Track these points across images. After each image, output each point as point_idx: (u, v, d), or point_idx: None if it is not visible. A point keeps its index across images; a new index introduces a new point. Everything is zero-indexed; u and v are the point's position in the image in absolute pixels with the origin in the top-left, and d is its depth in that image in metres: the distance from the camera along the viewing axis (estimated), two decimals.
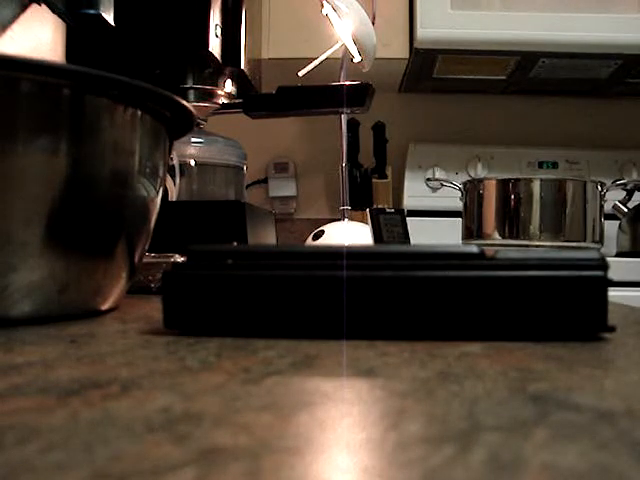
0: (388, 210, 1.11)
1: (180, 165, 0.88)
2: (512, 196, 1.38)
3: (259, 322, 0.32)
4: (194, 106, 0.46)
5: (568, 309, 0.30)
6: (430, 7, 1.45)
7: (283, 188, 1.79)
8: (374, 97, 0.89)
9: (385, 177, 1.66)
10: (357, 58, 1.02)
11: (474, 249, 0.31)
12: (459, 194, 1.50)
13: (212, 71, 0.89)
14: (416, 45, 1.47)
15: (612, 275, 0.30)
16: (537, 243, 1.36)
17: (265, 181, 1.79)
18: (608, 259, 0.31)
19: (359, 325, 0.30)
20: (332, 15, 1.00)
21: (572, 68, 1.57)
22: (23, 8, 0.61)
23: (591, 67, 1.56)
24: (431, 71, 1.64)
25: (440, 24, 1.45)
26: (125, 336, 0.33)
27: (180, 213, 0.84)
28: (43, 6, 0.65)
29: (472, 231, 1.46)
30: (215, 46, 0.85)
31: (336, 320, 0.30)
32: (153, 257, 0.56)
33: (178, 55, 0.86)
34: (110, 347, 0.30)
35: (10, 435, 0.16)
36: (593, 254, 0.31)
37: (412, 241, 1.13)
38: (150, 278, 0.54)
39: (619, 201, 1.51)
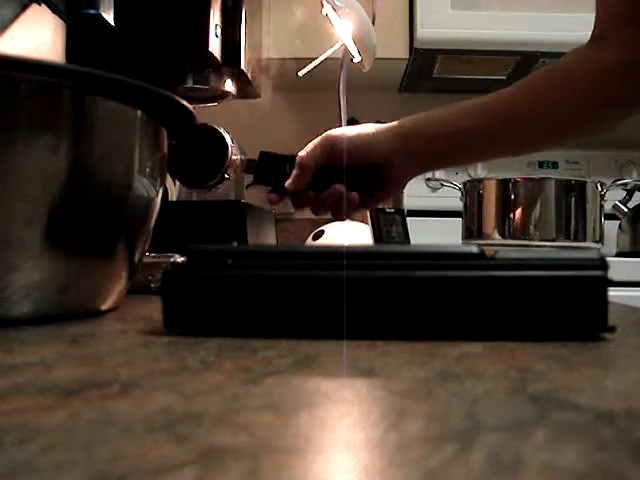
0: (388, 210, 1.11)
1: None
2: (512, 196, 1.38)
3: (259, 322, 0.32)
4: (194, 106, 0.47)
5: (568, 309, 0.30)
6: (430, 7, 1.45)
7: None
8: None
9: None
10: (357, 58, 1.02)
11: (474, 249, 0.31)
12: (459, 194, 1.50)
13: (212, 71, 0.89)
14: (416, 45, 1.47)
15: (612, 275, 0.30)
16: (537, 243, 1.36)
17: None
18: (608, 259, 0.31)
19: (359, 325, 0.30)
20: (332, 15, 1.00)
21: None
22: (23, 8, 0.61)
23: None
24: (431, 71, 1.64)
25: (440, 24, 1.45)
26: (125, 336, 0.33)
27: (180, 213, 0.84)
28: (43, 6, 0.65)
29: (472, 231, 1.46)
30: (215, 46, 0.85)
31: (336, 320, 0.30)
32: (153, 257, 0.56)
33: (178, 55, 0.86)
34: (110, 347, 0.30)
35: (10, 435, 0.16)
36: (593, 254, 0.31)
37: (412, 241, 1.13)
38: (150, 278, 0.54)
39: (619, 201, 1.51)
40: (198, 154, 0.69)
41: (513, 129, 0.67)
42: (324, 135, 0.67)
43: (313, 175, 0.66)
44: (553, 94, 0.64)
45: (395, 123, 0.68)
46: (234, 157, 0.68)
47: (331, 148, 0.66)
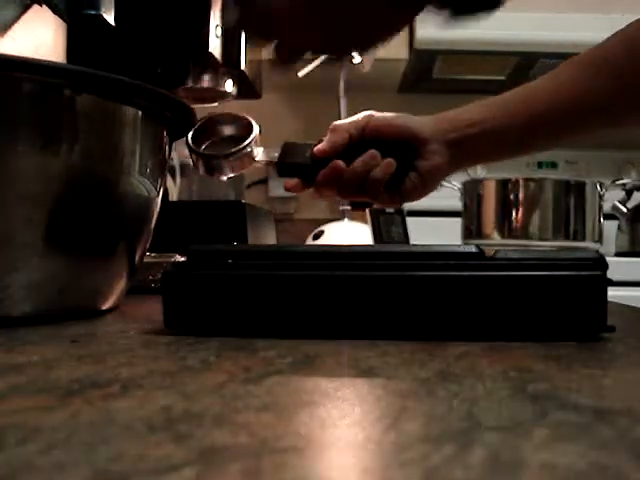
0: (388, 210, 1.11)
1: (180, 165, 0.88)
2: (511, 196, 1.38)
3: (259, 322, 0.32)
4: (194, 106, 0.47)
5: (568, 309, 0.30)
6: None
7: (283, 188, 1.78)
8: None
9: None
10: (357, 58, 1.02)
11: (474, 249, 0.31)
12: (459, 194, 1.50)
13: (212, 71, 0.89)
14: (416, 45, 1.47)
15: (611, 275, 0.30)
16: (536, 243, 1.36)
17: (265, 181, 1.79)
18: (607, 259, 0.31)
19: (359, 325, 0.31)
20: None
21: None
22: (24, 9, 0.61)
23: None
24: (431, 71, 1.64)
25: (440, 24, 1.45)
26: (125, 336, 0.33)
27: (180, 213, 0.84)
28: (44, 7, 0.65)
29: (472, 231, 1.46)
30: (216, 46, 0.85)
31: (336, 320, 0.30)
32: (153, 257, 0.56)
33: (178, 55, 0.86)
34: (110, 347, 0.30)
35: (11, 435, 0.16)
36: (592, 254, 0.31)
37: (412, 241, 1.13)
38: (150, 278, 0.54)
39: (618, 201, 1.51)
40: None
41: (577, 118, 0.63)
42: (364, 113, 0.64)
43: (346, 147, 0.63)
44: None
45: (433, 116, 0.65)
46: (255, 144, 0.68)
47: (371, 121, 0.62)
